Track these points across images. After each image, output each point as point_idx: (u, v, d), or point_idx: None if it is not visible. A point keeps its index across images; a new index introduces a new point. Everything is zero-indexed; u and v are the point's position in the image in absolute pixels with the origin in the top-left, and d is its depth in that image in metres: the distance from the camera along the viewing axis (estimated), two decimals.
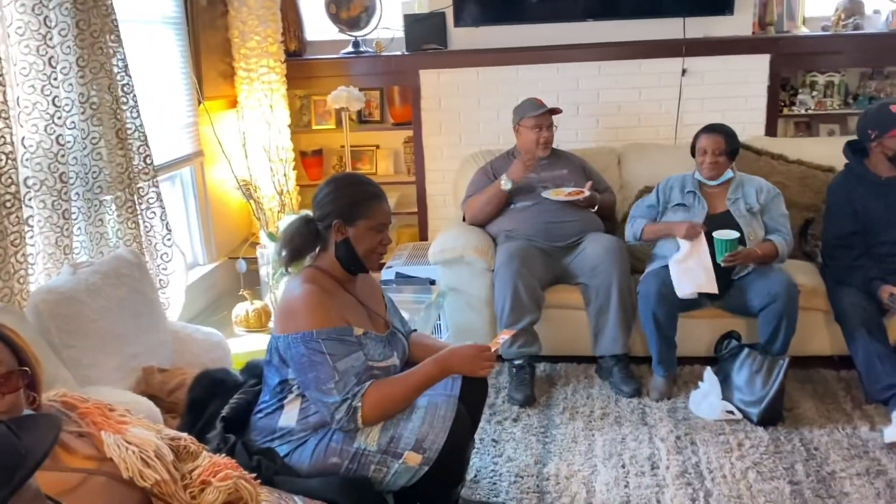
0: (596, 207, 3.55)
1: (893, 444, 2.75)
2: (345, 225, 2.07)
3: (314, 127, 4.92)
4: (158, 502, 1.55)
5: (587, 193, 3.44)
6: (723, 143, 3.20)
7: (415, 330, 2.43)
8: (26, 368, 1.44)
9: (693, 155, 3.33)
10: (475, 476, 2.69)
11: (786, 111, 4.54)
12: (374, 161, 5.05)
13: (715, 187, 3.26)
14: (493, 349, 2.10)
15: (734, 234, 3.05)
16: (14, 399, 1.40)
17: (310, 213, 2.17)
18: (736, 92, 4.33)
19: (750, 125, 4.30)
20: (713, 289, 3.10)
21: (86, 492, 1.47)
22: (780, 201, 3.27)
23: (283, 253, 2.14)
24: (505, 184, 3.46)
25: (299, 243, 2.13)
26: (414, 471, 1.98)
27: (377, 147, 5.05)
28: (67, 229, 2.50)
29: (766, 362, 2.98)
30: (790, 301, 3.02)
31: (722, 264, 3.05)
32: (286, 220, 3.61)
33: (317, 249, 2.16)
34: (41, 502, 1.09)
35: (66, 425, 1.57)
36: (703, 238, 3.11)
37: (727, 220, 3.17)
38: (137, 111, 2.83)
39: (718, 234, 3.04)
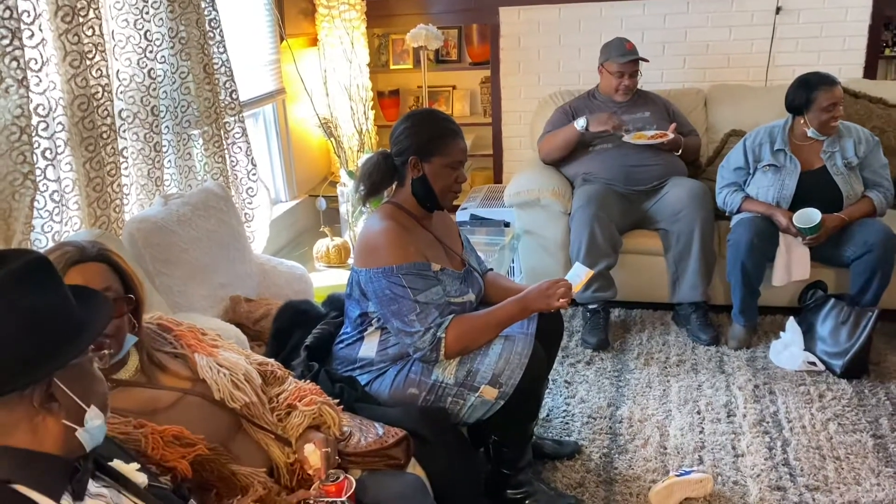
0: (680, 151, 3.44)
1: None
2: (421, 161, 2.07)
3: (391, 67, 4.91)
4: (247, 423, 1.63)
5: (670, 136, 3.34)
6: (842, 93, 2.99)
7: (491, 269, 2.43)
8: (132, 295, 1.50)
9: (798, 111, 3.07)
10: (547, 415, 2.71)
11: (888, 52, 4.28)
12: (451, 102, 5.02)
13: (808, 140, 3.08)
14: (574, 289, 2.09)
15: (814, 220, 2.91)
16: (119, 324, 1.47)
17: (387, 149, 2.18)
18: (833, 31, 4.09)
19: (847, 67, 4.07)
20: (806, 275, 3.03)
21: (180, 410, 1.54)
22: (880, 150, 3.09)
23: (361, 188, 2.16)
24: (579, 123, 3.38)
25: (377, 178, 2.14)
26: (490, 405, 2.01)
27: (454, 87, 5.01)
28: (159, 161, 2.58)
29: (853, 314, 2.88)
30: (886, 252, 2.89)
31: (807, 233, 2.95)
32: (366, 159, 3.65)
33: (394, 185, 2.17)
34: (99, 385, 1.11)
35: (161, 346, 1.65)
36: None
37: (823, 178, 3.02)
38: (224, 46, 2.87)
39: (799, 222, 2.93)
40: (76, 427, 1.07)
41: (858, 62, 4.12)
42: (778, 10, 4.09)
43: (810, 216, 2.93)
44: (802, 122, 3.06)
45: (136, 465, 1.19)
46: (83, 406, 1.07)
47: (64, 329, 1.05)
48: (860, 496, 2.21)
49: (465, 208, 4.00)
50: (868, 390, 2.78)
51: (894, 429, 2.54)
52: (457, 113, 5.00)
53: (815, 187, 3.01)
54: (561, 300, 2.05)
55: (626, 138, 3.35)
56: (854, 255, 2.94)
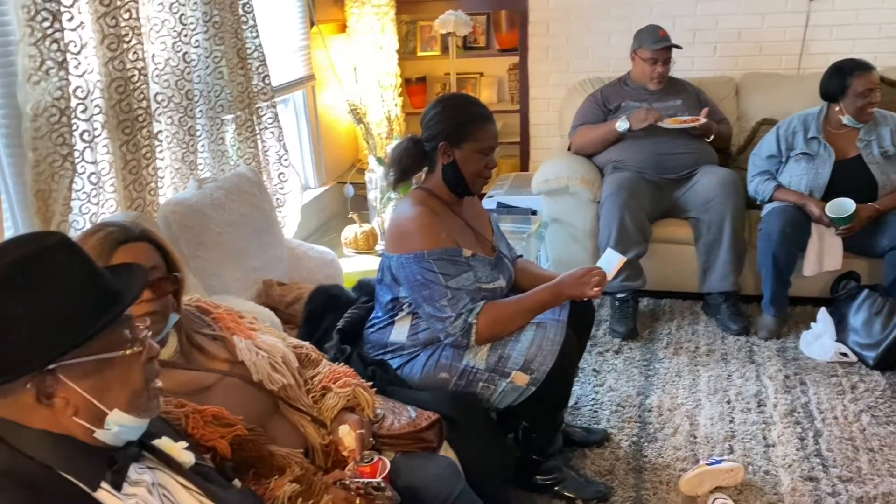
0: (711, 137, 3.40)
1: None
2: (451, 147, 2.07)
3: (419, 53, 4.90)
4: (284, 405, 1.64)
5: (703, 121, 3.30)
6: (878, 78, 2.96)
7: (520, 255, 2.43)
8: (177, 274, 1.52)
9: (830, 97, 3.03)
10: (576, 403, 2.71)
11: None
12: (478, 89, 4.99)
13: (843, 129, 3.04)
14: (609, 278, 2.09)
15: (848, 210, 2.88)
16: (165, 302, 1.48)
17: (417, 134, 2.18)
18: (869, 18, 4.02)
19: (883, 55, 3.98)
20: (838, 266, 3.01)
21: (220, 391, 1.56)
22: None
23: (391, 173, 2.16)
24: (621, 126, 3.35)
25: (407, 164, 2.14)
26: (521, 391, 2.02)
27: (481, 74, 4.98)
28: (193, 145, 2.60)
29: (887, 304, 2.85)
30: None
31: (839, 223, 2.91)
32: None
33: (424, 170, 2.17)
34: (131, 383, 1.04)
35: (200, 328, 1.66)
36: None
37: (858, 167, 2.98)
38: (257, 31, 2.88)
39: (832, 212, 2.89)
40: (93, 429, 1.02)
41: (894, 50, 4.04)
42: None
43: (843, 206, 2.89)
44: (837, 109, 3.02)
45: (183, 444, 1.19)
46: (100, 406, 1.02)
47: (66, 315, 0.98)
48: (894, 488, 2.19)
49: (492, 196, 3.99)
50: None
51: None
52: (484, 100, 4.95)
53: (850, 176, 2.97)
54: (595, 289, 2.05)
55: (661, 123, 3.31)
56: (889, 246, 2.91)
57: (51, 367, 0.98)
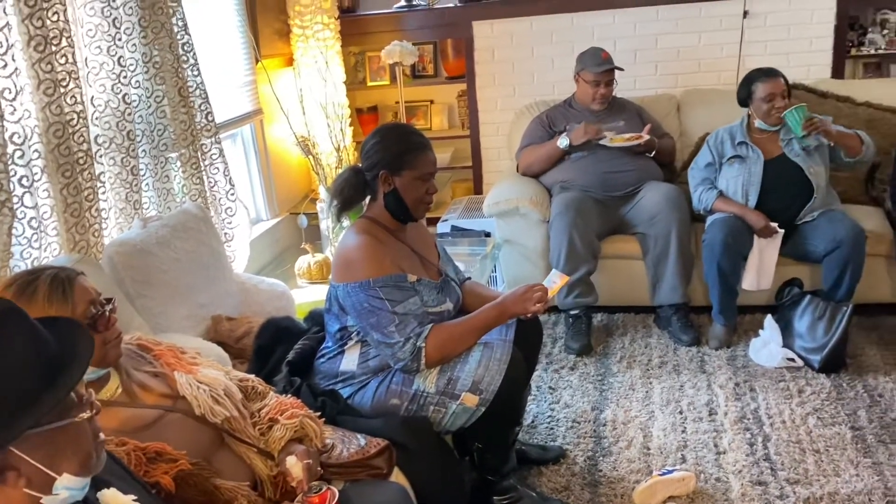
0: (654, 152, 3.49)
1: None
2: (391, 175, 2.10)
3: (369, 83, 4.96)
4: (229, 438, 1.64)
5: (645, 137, 3.39)
6: (783, 84, 3.11)
7: (469, 278, 2.46)
8: (111, 297, 1.54)
9: (744, 103, 3.22)
10: (532, 421, 2.74)
11: (854, 52, 4.36)
12: (429, 116, 5.07)
13: (766, 133, 3.17)
14: (550, 294, 2.13)
15: (799, 104, 3.01)
16: (116, 329, 1.52)
17: (358, 164, 2.21)
18: (800, 33, 4.17)
19: (815, 67, 4.15)
20: (769, 286, 3.12)
21: (163, 427, 1.56)
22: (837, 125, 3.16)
23: (334, 203, 2.19)
24: (561, 142, 3.43)
25: (349, 194, 2.17)
26: (471, 412, 2.04)
27: (431, 102, 5.05)
28: (136, 185, 2.60)
29: (829, 309, 2.93)
30: (856, 246, 2.95)
31: (804, 133, 3.00)
32: None
33: (367, 199, 2.20)
34: (81, 444, 1.04)
35: (141, 365, 1.67)
36: (776, 239, 3.06)
37: (784, 163, 3.10)
38: (198, 69, 2.91)
39: (787, 112, 3.01)
40: (40, 496, 1.01)
41: (826, 62, 4.19)
42: (745, 14, 4.16)
43: (794, 106, 3.01)
44: (751, 114, 3.20)
45: (131, 497, 1.16)
46: (51, 474, 1.00)
47: (17, 395, 0.96)
48: (839, 487, 2.25)
49: (447, 220, 4.03)
50: (846, 384, 2.82)
51: (872, 420, 2.58)
52: (435, 126, 5.05)
53: (780, 173, 3.10)
54: (537, 305, 2.08)
55: (605, 142, 3.39)
56: (825, 251, 3.00)
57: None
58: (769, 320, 3.05)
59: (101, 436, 1.10)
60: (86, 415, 1.04)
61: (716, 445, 2.52)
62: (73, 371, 1.03)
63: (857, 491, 2.23)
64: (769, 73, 3.14)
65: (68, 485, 1.03)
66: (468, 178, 4.89)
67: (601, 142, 3.40)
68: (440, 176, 4.77)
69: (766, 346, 3.02)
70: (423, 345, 2.02)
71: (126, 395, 1.58)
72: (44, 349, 1.03)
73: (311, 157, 3.93)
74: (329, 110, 4.05)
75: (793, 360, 2.96)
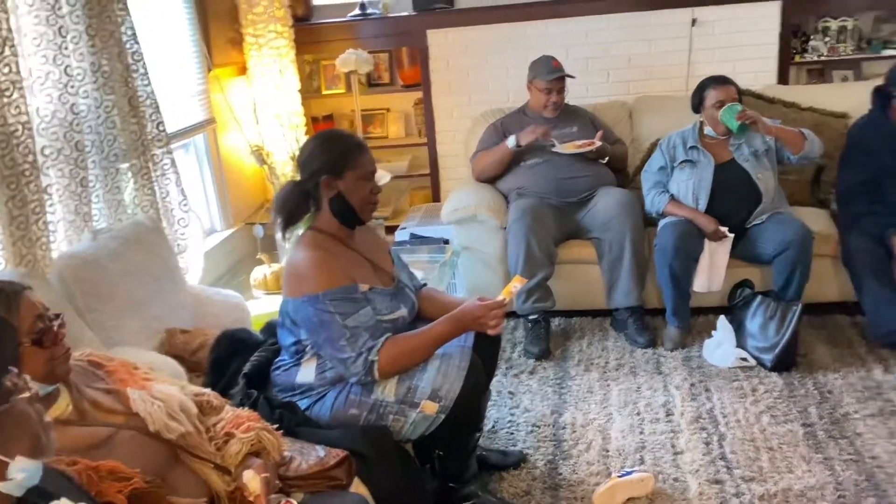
0: (606, 158, 3.54)
1: None
2: (334, 179, 2.08)
3: (324, 92, 4.94)
4: (185, 454, 1.62)
5: (598, 144, 3.44)
6: (734, 91, 3.18)
7: (425, 284, 2.46)
8: (59, 312, 1.51)
9: (697, 110, 3.30)
10: (493, 426, 2.75)
11: (798, 58, 4.49)
12: (385, 124, 5.07)
13: (716, 138, 3.25)
14: (505, 299, 2.13)
15: (733, 104, 3.09)
16: (66, 343, 1.50)
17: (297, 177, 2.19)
18: (747, 41, 4.28)
19: (761, 74, 4.26)
20: (719, 287, 3.18)
21: (116, 445, 1.53)
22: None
23: (278, 220, 2.15)
24: (510, 142, 3.46)
25: (292, 207, 2.14)
26: (431, 419, 2.03)
27: (387, 110, 5.05)
28: (86, 197, 2.54)
29: (779, 309, 2.99)
30: (804, 248, 3.03)
31: (737, 127, 3.06)
32: None
33: (312, 211, 2.18)
34: (26, 427, 1.07)
35: (92, 382, 1.63)
36: (726, 242, 3.12)
37: (733, 168, 3.18)
38: (148, 79, 2.86)
39: (721, 112, 3.09)
40: None
41: (771, 69, 4.32)
42: (693, 22, 4.26)
43: (728, 106, 3.09)
44: (703, 121, 3.26)
45: None
46: (3, 459, 1.03)
47: None
48: (793, 483, 2.30)
49: (405, 228, 4.03)
50: (797, 381, 2.89)
51: (822, 416, 2.65)
52: (392, 135, 5.05)
53: (729, 178, 3.17)
54: (495, 328, 2.08)
55: (557, 149, 3.44)
56: (774, 253, 3.07)
57: None
58: (722, 321, 3.11)
59: (47, 416, 1.13)
60: (27, 393, 1.08)
61: (673, 446, 2.55)
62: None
63: (810, 486, 2.28)
64: (720, 81, 3.21)
65: (22, 467, 1.05)
66: (426, 186, 4.89)
67: (554, 149, 3.44)
68: (398, 184, 4.81)
69: (720, 346, 3.08)
70: (376, 358, 2.00)
71: (77, 413, 1.54)
72: None
73: (265, 166, 3.89)
74: (283, 119, 4.02)
75: (746, 359, 3.02)
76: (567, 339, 3.43)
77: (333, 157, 2.09)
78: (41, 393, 1.46)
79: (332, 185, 2.09)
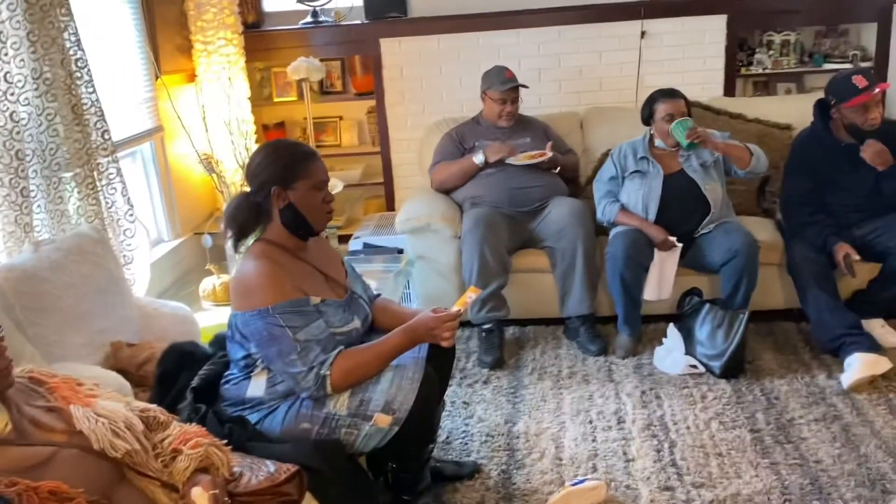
0: (558, 168, 3.58)
1: (851, 388, 2.84)
2: (284, 189, 2.05)
3: (276, 99, 4.89)
4: (131, 472, 1.57)
5: (549, 154, 3.47)
6: (683, 105, 3.24)
7: (379, 295, 2.44)
8: None
9: (647, 122, 3.36)
10: (447, 438, 2.74)
11: (743, 71, 4.61)
12: (338, 132, 5.04)
13: (666, 149, 3.31)
14: (460, 310, 2.13)
15: (684, 118, 3.16)
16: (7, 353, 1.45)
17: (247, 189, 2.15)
18: (694, 53, 4.38)
19: (709, 86, 4.36)
20: (667, 296, 3.24)
21: (58, 464, 1.48)
22: (731, 139, 3.32)
23: (229, 233, 2.11)
24: (477, 158, 3.49)
25: (242, 220, 2.09)
26: (384, 432, 2.02)
27: (340, 118, 5.03)
28: (27, 207, 2.47)
29: (727, 317, 3.05)
30: (750, 256, 3.10)
31: (686, 143, 3.13)
32: None
33: (262, 223, 2.13)
34: None
35: (33, 400, 1.57)
36: (675, 251, 3.18)
37: (682, 179, 3.24)
38: (93, 86, 2.79)
39: (672, 126, 3.16)
40: None
41: (718, 81, 4.41)
42: (643, 34, 4.34)
43: (679, 120, 3.16)
44: (653, 133, 3.31)
45: None
46: None
47: None
48: (741, 488, 2.34)
49: (359, 237, 4.00)
50: (745, 388, 2.95)
51: (769, 422, 2.70)
52: (345, 143, 5.02)
53: (678, 188, 3.23)
54: (448, 339, 2.07)
55: (510, 160, 3.46)
56: (721, 261, 3.14)
57: None
58: (672, 329, 3.16)
59: None
60: None
61: (625, 453, 2.58)
62: None
63: (757, 491, 2.32)
64: (670, 95, 3.27)
65: None
66: (380, 195, 4.87)
67: (507, 160, 3.46)
68: (352, 193, 4.78)
69: (670, 353, 3.12)
70: (328, 373, 1.98)
71: (16, 433, 1.48)
72: None
73: (214, 174, 3.83)
74: (233, 127, 3.96)
75: (695, 366, 3.07)
76: (521, 347, 3.44)
77: (283, 167, 2.05)
78: None
79: (283, 195, 2.05)
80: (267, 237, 2.11)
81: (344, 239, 4.31)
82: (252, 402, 2.08)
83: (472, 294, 2.23)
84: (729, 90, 4.42)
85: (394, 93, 4.56)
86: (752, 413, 2.77)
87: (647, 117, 3.34)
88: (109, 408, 1.63)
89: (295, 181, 2.05)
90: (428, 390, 2.06)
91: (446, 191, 3.66)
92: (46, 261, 2.31)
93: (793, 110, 3.81)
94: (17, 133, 2.43)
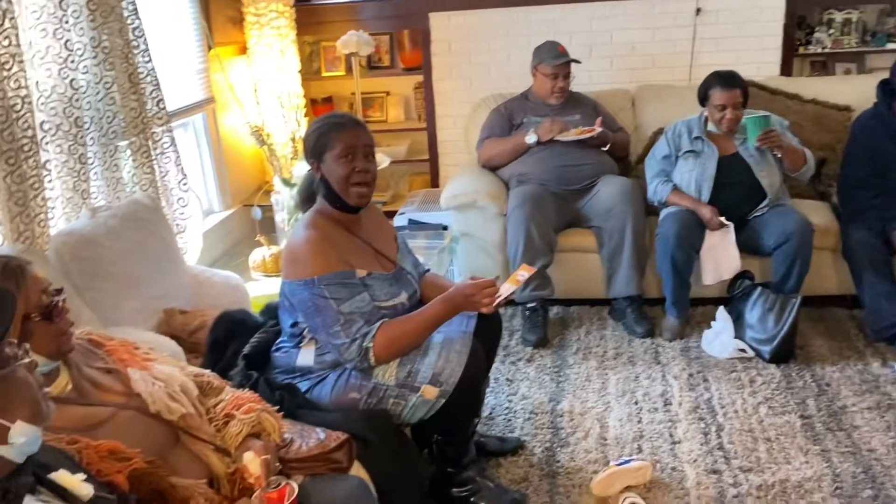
0: (608, 146, 3.52)
1: None
2: (318, 162, 2.07)
3: (324, 74, 4.90)
4: (185, 435, 1.60)
5: (598, 130, 3.41)
6: (739, 95, 3.14)
7: (428, 270, 2.44)
8: (60, 287, 1.50)
9: (702, 103, 3.27)
10: (490, 413, 2.74)
11: (801, 50, 4.47)
12: (385, 108, 5.03)
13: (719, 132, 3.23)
14: (510, 290, 2.11)
15: (761, 112, 3.05)
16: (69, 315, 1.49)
17: None
18: (751, 31, 4.26)
19: (764, 65, 4.24)
20: (738, 268, 3.12)
21: (115, 425, 1.51)
22: (790, 132, 3.26)
23: (296, 199, 2.20)
24: (529, 138, 3.44)
25: (303, 192, 2.18)
26: (431, 404, 2.02)
27: (387, 94, 5.02)
28: (84, 174, 2.52)
29: (778, 301, 2.99)
30: (804, 240, 3.02)
31: (756, 145, 3.05)
32: (300, 167, 3.62)
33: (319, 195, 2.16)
34: (25, 393, 1.06)
35: (92, 362, 1.61)
36: (728, 232, 3.09)
37: (737, 162, 3.16)
38: (149, 55, 2.83)
39: (747, 114, 3.05)
40: None
41: (775, 60, 4.30)
42: (698, 11, 4.23)
43: (757, 111, 3.06)
44: (707, 115, 3.24)
45: (81, 476, 1.16)
46: (4, 423, 1.03)
47: None
48: (790, 474, 2.30)
49: (404, 213, 4.01)
50: (795, 373, 2.89)
51: (820, 409, 2.65)
52: (391, 119, 5.02)
53: (732, 170, 3.15)
54: (487, 305, 2.05)
55: (558, 136, 3.41)
56: (774, 245, 3.07)
57: None
58: (721, 312, 3.11)
59: (46, 388, 1.14)
60: (27, 359, 1.09)
61: (671, 435, 2.55)
62: None
63: (807, 478, 2.28)
64: (727, 83, 3.13)
65: (23, 432, 1.05)
66: (425, 172, 4.87)
67: (555, 137, 3.41)
68: (397, 169, 4.78)
69: (719, 337, 3.08)
70: (371, 345, 1.99)
71: (76, 393, 1.52)
72: None
73: (265, 147, 3.85)
74: (284, 100, 3.98)
75: (744, 350, 3.02)
76: (565, 327, 3.42)
77: (313, 142, 2.07)
78: (42, 370, 1.46)
79: (318, 168, 2.07)
80: (319, 208, 2.12)
81: (389, 215, 4.31)
82: (302, 371, 2.10)
83: (523, 272, 2.21)
84: (786, 70, 4.30)
85: (442, 68, 4.54)
86: (802, 399, 2.72)
87: (703, 99, 3.25)
88: (166, 372, 1.66)
89: (324, 153, 2.05)
90: (475, 364, 2.05)
91: (493, 167, 3.63)
92: (103, 227, 2.36)
93: (852, 91, 3.69)
94: (77, 100, 2.47)
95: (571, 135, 3.42)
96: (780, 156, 3.14)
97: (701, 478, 2.32)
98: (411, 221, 3.88)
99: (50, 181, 2.40)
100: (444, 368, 2.01)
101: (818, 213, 3.32)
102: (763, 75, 3.96)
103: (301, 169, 3.64)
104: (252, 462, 1.59)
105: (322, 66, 4.90)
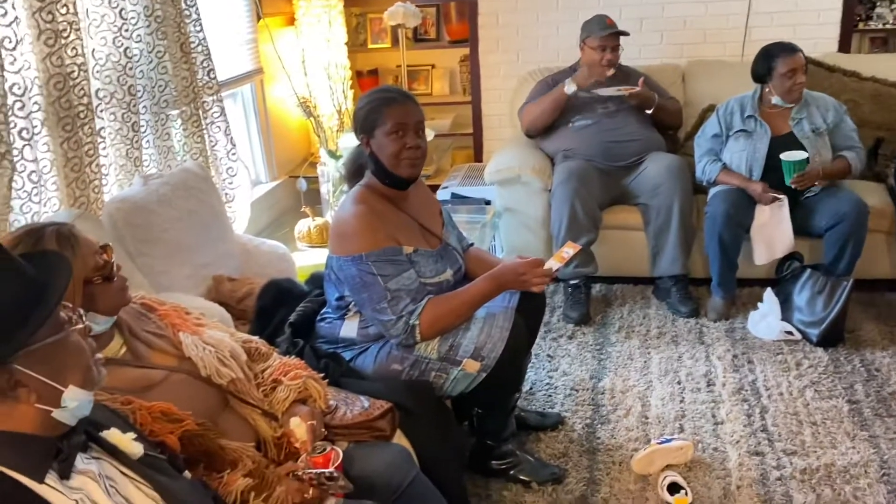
0: (652, 108, 3.45)
1: None
2: (368, 138, 2.06)
3: (370, 46, 4.89)
4: (234, 399, 1.64)
5: (638, 88, 3.34)
6: (803, 60, 3.05)
7: (472, 244, 2.43)
8: (105, 244, 1.55)
9: (760, 79, 3.15)
10: (530, 388, 2.75)
11: (861, 26, 4.33)
12: (430, 81, 5.01)
13: (776, 108, 3.13)
14: (555, 266, 2.10)
15: (802, 155, 2.96)
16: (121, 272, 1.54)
17: None
18: (808, 5, 4.13)
19: (822, 41, 4.11)
20: (791, 247, 3.05)
21: (167, 387, 1.56)
22: (847, 117, 3.16)
23: (343, 172, 2.21)
24: (568, 87, 3.36)
25: (350, 164, 2.19)
26: (472, 377, 2.03)
27: (433, 66, 5.00)
28: (137, 142, 2.56)
29: (828, 283, 2.93)
30: (858, 221, 2.94)
31: (791, 185, 2.98)
32: (345, 139, 3.64)
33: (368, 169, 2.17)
34: (79, 358, 1.09)
35: (145, 325, 1.65)
36: (782, 207, 3.01)
37: (791, 142, 3.07)
38: (201, 24, 2.85)
39: (785, 156, 2.96)
40: (51, 409, 1.05)
41: (833, 36, 4.16)
42: None
43: (798, 153, 2.97)
44: (767, 90, 3.13)
45: (132, 435, 1.19)
46: (58, 387, 1.05)
47: (8, 313, 1.01)
48: (836, 459, 2.27)
49: (447, 187, 4.00)
50: (843, 358, 2.84)
51: (869, 394, 2.60)
52: (436, 92, 5.00)
53: (784, 150, 3.06)
54: (537, 286, 2.06)
55: (599, 91, 3.35)
56: (827, 226, 2.99)
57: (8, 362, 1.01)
58: (769, 293, 3.06)
59: (99, 354, 1.16)
60: (81, 325, 1.11)
61: (714, 416, 2.53)
62: (54, 288, 1.08)
63: (854, 463, 2.25)
64: (790, 49, 3.05)
65: (75, 396, 1.07)
66: (468, 146, 4.85)
67: (597, 91, 3.35)
68: (441, 142, 4.77)
69: (765, 318, 3.03)
70: (417, 322, 1.99)
71: (130, 355, 1.57)
72: (25, 272, 1.08)
73: (312, 118, 3.88)
74: (331, 72, 3.99)
75: (791, 333, 2.97)
76: (607, 305, 3.40)
77: (364, 117, 2.06)
78: (100, 328, 1.50)
79: (368, 144, 2.07)
80: (367, 183, 2.13)
81: (432, 189, 4.31)
82: (345, 342, 2.12)
83: (569, 249, 2.20)
84: (844, 46, 4.16)
85: (488, 41, 4.49)
86: (850, 384, 2.67)
87: (764, 74, 3.12)
88: (216, 337, 1.69)
89: (375, 129, 2.04)
90: (517, 339, 2.05)
91: (536, 131, 3.56)
92: (155, 194, 2.40)
93: None
94: (130, 69, 2.51)
95: (612, 90, 3.35)
96: (829, 122, 3.08)
97: (743, 459, 2.30)
98: (454, 195, 3.87)
99: (104, 148, 2.46)
100: (486, 343, 2.01)
101: (874, 195, 3.23)
102: (820, 52, 3.84)
103: (347, 141, 3.66)
104: (298, 427, 1.63)
105: (368, 38, 4.90)
